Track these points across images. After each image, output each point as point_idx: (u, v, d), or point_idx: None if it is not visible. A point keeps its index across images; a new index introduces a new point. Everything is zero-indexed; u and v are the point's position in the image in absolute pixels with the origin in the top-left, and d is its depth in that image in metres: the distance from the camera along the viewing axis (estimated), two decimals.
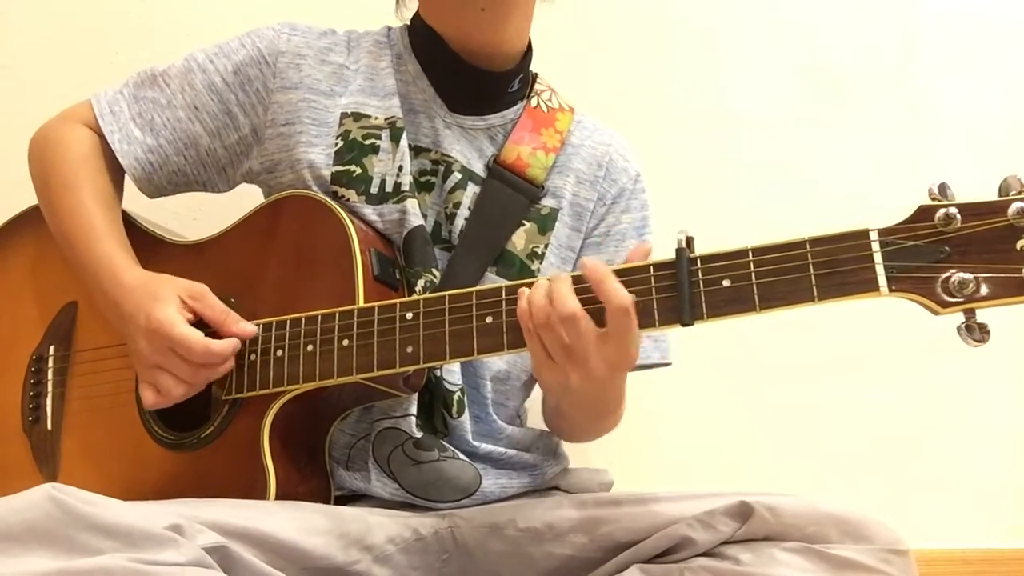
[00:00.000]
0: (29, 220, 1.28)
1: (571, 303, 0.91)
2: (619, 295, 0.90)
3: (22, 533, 0.82)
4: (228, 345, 1.06)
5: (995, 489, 1.78)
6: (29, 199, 1.24)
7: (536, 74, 1.29)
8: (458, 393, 1.14)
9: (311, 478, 1.12)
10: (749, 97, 1.79)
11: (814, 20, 1.81)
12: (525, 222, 1.20)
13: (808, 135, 1.78)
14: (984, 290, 0.83)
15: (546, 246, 1.20)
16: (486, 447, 1.17)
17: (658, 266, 0.92)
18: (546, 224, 1.21)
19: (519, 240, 1.19)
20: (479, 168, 1.20)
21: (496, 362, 1.19)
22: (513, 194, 1.20)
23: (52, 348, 1.23)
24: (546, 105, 1.27)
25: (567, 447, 1.30)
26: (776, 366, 1.74)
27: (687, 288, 0.90)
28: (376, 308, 1.03)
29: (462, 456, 1.14)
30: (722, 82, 1.79)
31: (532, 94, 1.26)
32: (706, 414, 1.72)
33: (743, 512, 1.01)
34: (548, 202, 1.22)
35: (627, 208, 1.26)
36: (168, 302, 1.07)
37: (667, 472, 1.69)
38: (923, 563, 1.06)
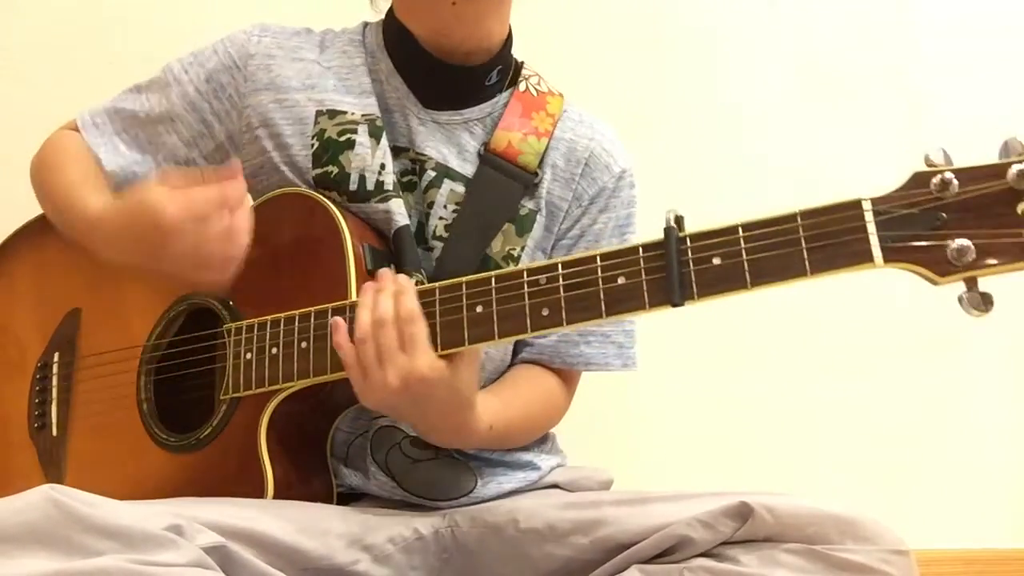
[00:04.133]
0: (32, 231, 1.29)
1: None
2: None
3: (21, 534, 0.81)
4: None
5: (995, 489, 1.78)
6: (29, 200, 1.23)
7: (521, 62, 1.26)
8: None
9: (311, 476, 1.11)
10: (747, 93, 1.79)
11: (812, 17, 1.82)
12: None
13: (805, 131, 1.78)
14: (985, 257, 0.78)
15: (522, 248, 1.17)
16: None
17: (647, 247, 0.89)
18: (524, 225, 1.18)
19: (496, 242, 1.17)
20: (456, 164, 1.17)
21: None
22: (506, 182, 1.17)
23: (57, 355, 1.23)
24: (535, 89, 1.23)
25: (567, 445, 1.29)
26: (776, 366, 1.74)
27: (676, 268, 0.86)
28: None
29: (457, 455, 1.13)
30: (720, 77, 1.80)
31: (520, 79, 1.23)
32: (706, 414, 1.72)
33: (743, 512, 1.00)
34: (528, 203, 1.19)
35: (606, 207, 1.22)
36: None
37: (667, 471, 1.68)
38: (924, 563, 1.04)
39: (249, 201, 1.02)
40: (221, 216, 0.99)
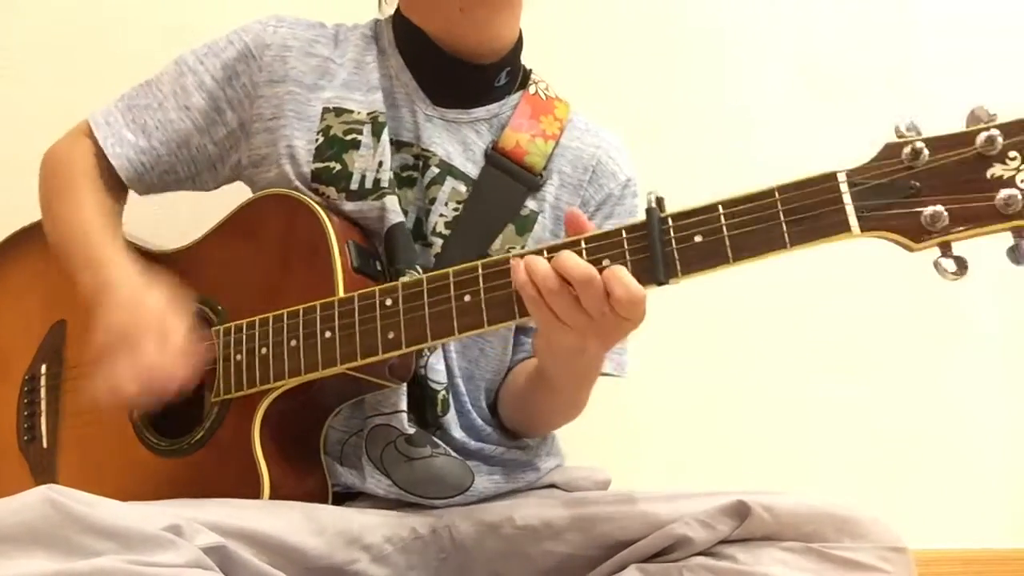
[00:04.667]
0: (18, 242, 1.30)
1: (586, 266, 0.90)
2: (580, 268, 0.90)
3: (19, 535, 0.82)
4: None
5: (995, 489, 1.78)
6: (29, 200, 1.24)
7: (530, 69, 1.29)
8: (443, 392, 1.14)
9: (307, 476, 1.12)
10: (749, 95, 1.80)
11: (814, 18, 1.83)
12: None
13: (807, 132, 1.78)
14: (958, 222, 0.81)
15: (522, 247, 1.19)
16: (475, 444, 1.17)
17: (630, 229, 0.92)
18: (525, 226, 1.20)
19: (496, 241, 1.18)
20: (460, 163, 1.20)
21: (459, 360, 1.18)
22: (511, 183, 1.19)
23: (44, 367, 1.24)
24: (544, 94, 1.26)
25: (564, 445, 1.30)
26: (775, 365, 1.74)
27: (659, 247, 0.90)
28: (356, 297, 1.03)
29: (453, 453, 1.14)
30: (722, 80, 1.80)
31: (530, 83, 1.26)
32: (704, 413, 1.72)
33: (741, 511, 1.01)
34: (530, 204, 1.21)
35: (611, 214, 1.25)
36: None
37: (665, 470, 1.69)
38: (923, 563, 1.05)
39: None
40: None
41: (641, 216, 1.23)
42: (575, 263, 0.90)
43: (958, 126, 0.83)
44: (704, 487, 1.09)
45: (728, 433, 1.73)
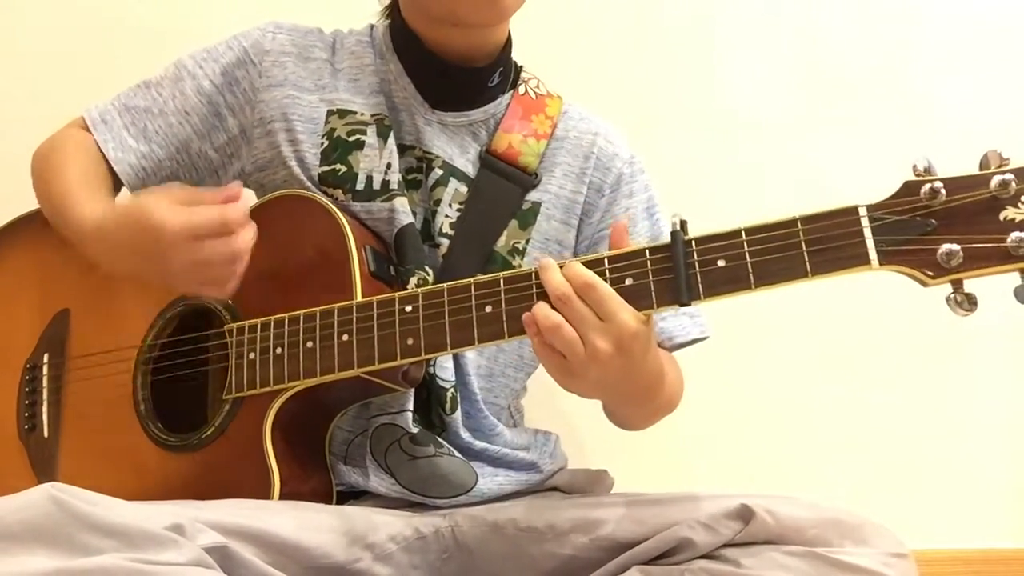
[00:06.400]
0: (21, 229, 1.30)
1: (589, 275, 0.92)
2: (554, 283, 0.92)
3: (21, 532, 0.82)
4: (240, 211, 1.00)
5: (995, 489, 1.79)
6: (27, 201, 1.24)
7: (521, 66, 1.31)
8: (451, 390, 1.16)
9: (313, 476, 1.13)
10: (745, 96, 1.80)
11: (812, 19, 1.82)
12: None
13: (804, 135, 1.79)
14: (971, 260, 0.85)
15: (527, 241, 1.21)
16: (480, 444, 1.18)
17: (654, 250, 0.95)
18: (527, 219, 1.22)
19: (501, 238, 1.20)
20: (461, 164, 1.22)
21: (477, 359, 1.20)
22: (506, 184, 1.21)
23: (46, 356, 1.24)
24: (534, 92, 1.28)
25: (566, 447, 1.31)
26: (777, 367, 1.76)
27: (683, 270, 0.92)
28: (375, 302, 1.05)
29: (457, 453, 1.16)
30: (718, 80, 1.81)
31: (519, 83, 1.28)
32: (707, 416, 1.72)
33: (744, 515, 1.02)
34: (530, 196, 1.23)
35: (631, 193, 1.27)
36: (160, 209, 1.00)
37: (667, 473, 1.70)
38: (923, 563, 1.06)
39: (253, 226, 1.01)
40: (221, 239, 0.99)
41: (655, 190, 1.28)
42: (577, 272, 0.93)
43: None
44: (707, 490, 1.10)
45: (731, 436, 1.75)
